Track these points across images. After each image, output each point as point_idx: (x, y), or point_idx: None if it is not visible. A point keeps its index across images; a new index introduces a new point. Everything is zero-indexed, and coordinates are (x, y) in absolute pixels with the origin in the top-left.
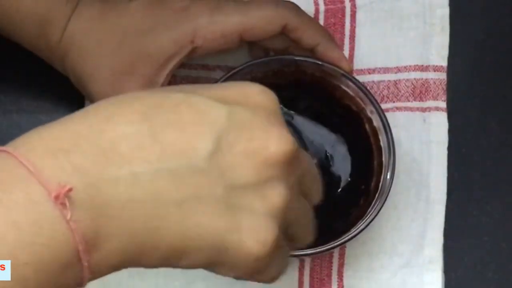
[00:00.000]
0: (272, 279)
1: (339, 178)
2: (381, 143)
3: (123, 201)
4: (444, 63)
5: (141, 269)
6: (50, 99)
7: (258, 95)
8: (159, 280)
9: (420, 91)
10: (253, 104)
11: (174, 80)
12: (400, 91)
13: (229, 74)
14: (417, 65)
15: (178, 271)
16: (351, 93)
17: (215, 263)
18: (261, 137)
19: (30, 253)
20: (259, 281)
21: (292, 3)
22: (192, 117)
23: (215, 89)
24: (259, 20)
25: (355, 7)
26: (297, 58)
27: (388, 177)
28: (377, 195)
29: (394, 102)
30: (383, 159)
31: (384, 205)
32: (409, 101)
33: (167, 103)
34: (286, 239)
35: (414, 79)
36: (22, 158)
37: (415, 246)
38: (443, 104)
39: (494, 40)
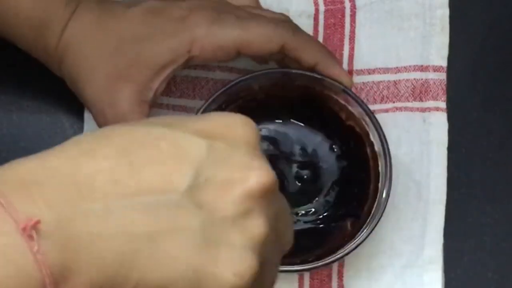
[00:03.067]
0: None
1: (332, 196)
2: (380, 168)
3: (94, 234)
4: (444, 63)
5: None
6: (50, 99)
7: (239, 128)
8: None
9: (420, 91)
10: (234, 137)
11: (174, 80)
12: (400, 91)
13: (236, 81)
14: (417, 65)
15: None
16: (356, 115)
17: None
18: (241, 170)
19: None
20: None
21: (292, 23)
22: (171, 152)
23: (196, 122)
24: (258, 37)
25: (355, 8)
26: (298, 72)
27: (382, 202)
28: (368, 219)
29: (394, 102)
30: (379, 184)
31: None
32: (409, 101)
33: (147, 138)
34: None
35: (414, 79)
36: None
37: (415, 246)
38: (443, 104)
39: (494, 40)
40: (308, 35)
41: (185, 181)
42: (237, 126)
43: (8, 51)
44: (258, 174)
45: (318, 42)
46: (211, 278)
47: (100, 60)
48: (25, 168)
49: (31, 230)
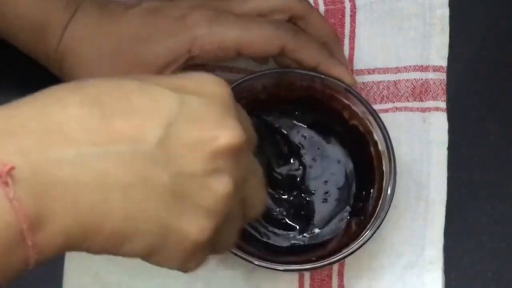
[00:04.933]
0: (192, 270)
1: (338, 197)
2: (383, 167)
3: (67, 182)
4: (444, 63)
5: (142, 270)
6: None
7: (213, 86)
8: (160, 280)
9: (420, 91)
10: (207, 94)
11: None
12: (400, 91)
13: (239, 81)
14: (417, 65)
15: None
16: (359, 114)
17: (155, 250)
18: (212, 127)
19: None
20: (183, 270)
21: (292, 25)
22: (144, 104)
23: (170, 79)
24: (258, 38)
25: (355, 8)
26: (300, 71)
27: (386, 201)
28: (372, 219)
29: (394, 102)
30: (384, 183)
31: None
32: (409, 101)
33: (120, 89)
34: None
35: (414, 79)
36: None
37: (415, 246)
38: (443, 104)
39: (494, 40)
40: (309, 36)
41: (157, 133)
42: (210, 84)
43: (8, 51)
44: (228, 134)
45: (319, 43)
46: (175, 232)
47: (100, 62)
48: None
49: (6, 177)
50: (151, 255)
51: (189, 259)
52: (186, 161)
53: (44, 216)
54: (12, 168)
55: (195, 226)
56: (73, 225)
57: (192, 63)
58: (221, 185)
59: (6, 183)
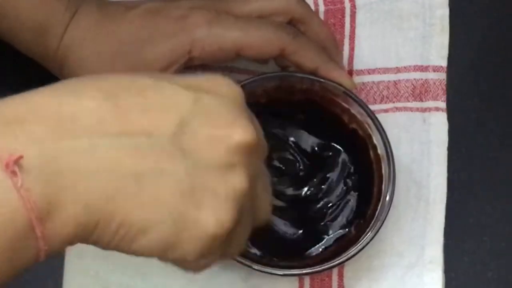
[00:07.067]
0: (206, 267)
1: (337, 201)
2: (383, 171)
3: (79, 170)
4: (444, 63)
5: (142, 270)
6: None
7: (227, 86)
8: (160, 280)
9: (420, 91)
10: (221, 94)
11: None
12: (400, 92)
13: (240, 85)
14: (417, 65)
15: (178, 271)
16: (359, 117)
17: (171, 244)
18: (226, 125)
19: None
20: (198, 269)
21: (292, 27)
22: (158, 101)
23: (184, 78)
24: (258, 40)
25: (355, 8)
26: (300, 75)
27: (385, 205)
28: (372, 223)
29: (394, 102)
30: (383, 187)
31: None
32: (409, 101)
33: (134, 85)
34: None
35: (414, 79)
36: None
37: (415, 246)
38: (443, 104)
39: (494, 40)
40: (308, 39)
41: (171, 127)
42: (225, 85)
43: (8, 51)
44: (241, 132)
45: (318, 46)
46: (192, 223)
47: (101, 64)
48: (7, 106)
49: (14, 166)
50: (167, 250)
51: (205, 255)
52: (201, 155)
53: (53, 205)
54: (20, 157)
55: (214, 218)
56: (84, 213)
57: (192, 64)
58: (238, 179)
59: (14, 173)
